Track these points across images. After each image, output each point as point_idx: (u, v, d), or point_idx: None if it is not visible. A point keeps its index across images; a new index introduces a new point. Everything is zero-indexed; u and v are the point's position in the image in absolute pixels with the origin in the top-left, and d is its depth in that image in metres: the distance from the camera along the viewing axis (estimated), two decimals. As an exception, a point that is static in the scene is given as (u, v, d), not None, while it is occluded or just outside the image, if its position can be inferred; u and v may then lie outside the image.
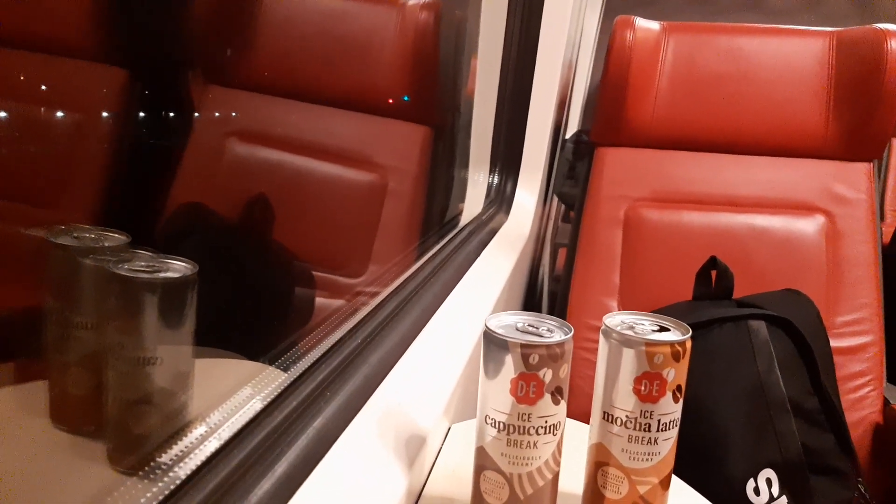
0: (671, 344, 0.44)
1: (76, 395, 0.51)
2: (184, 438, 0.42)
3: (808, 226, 1.16)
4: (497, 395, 0.43)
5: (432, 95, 1.24)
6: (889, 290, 1.14)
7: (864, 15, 2.95)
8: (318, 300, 1.17)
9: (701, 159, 1.23)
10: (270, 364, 0.51)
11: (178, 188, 1.16)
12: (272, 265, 1.16)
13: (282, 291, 1.15)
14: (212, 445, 0.39)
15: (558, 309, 1.21)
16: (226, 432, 0.39)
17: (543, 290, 1.70)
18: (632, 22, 1.21)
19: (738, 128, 1.21)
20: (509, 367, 0.42)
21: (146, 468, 0.39)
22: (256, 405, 0.43)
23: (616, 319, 0.47)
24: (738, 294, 1.03)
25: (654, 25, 1.24)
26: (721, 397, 0.90)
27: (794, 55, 1.20)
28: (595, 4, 2.78)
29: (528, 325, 0.45)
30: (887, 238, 1.35)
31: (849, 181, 1.18)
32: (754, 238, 1.16)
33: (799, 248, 1.15)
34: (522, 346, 0.42)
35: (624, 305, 1.16)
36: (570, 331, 0.44)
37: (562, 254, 2.04)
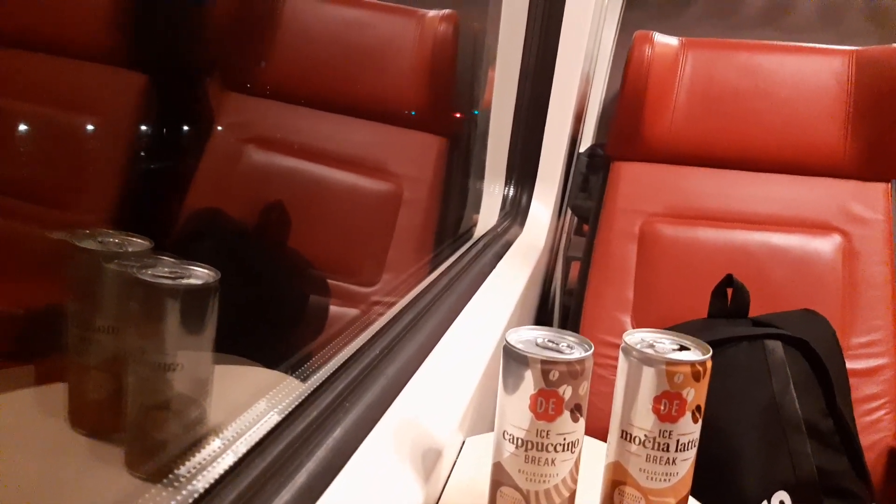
0: (692, 364, 0.44)
1: (96, 399, 0.51)
2: (203, 447, 0.42)
3: (825, 245, 1.15)
4: (516, 411, 0.43)
5: (449, 106, 1.25)
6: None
7: (884, 33, 2.94)
8: (333, 308, 1.17)
9: (717, 176, 1.22)
10: (290, 374, 0.51)
11: (196, 193, 1.17)
12: (287, 272, 1.16)
13: (296, 298, 1.15)
14: (231, 456, 0.39)
15: (571, 323, 1.21)
16: (247, 442, 0.39)
17: (555, 304, 1.70)
18: (650, 37, 1.22)
19: (755, 145, 1.20)
20: (529, 383, 0.42)
21: (166, 477, 0.39)
22: (276, 417, 0.43)
23: (636, 337, 0.47)
24: (753, 313, 1.02)
25: (673, 41, 1.24)
26: (736, 416, 0.89)
27: (813, 73, 1.20)
28: (612, 18, 2.79)
29: (548, 341, 0.45)
30: (904, 259, 1.34)
31: (866, 201, 1.17)
32: (770, 256, 1.15)
33: (815, 268, 1.14)
34: (543, 362, 0.42)
35: (637, 321, 1.16)
36: (591, 348, 0.44)
37: (574, 267, 2.04)
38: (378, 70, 1.22)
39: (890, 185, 1.19)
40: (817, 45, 1.24)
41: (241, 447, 0.40)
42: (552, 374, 0.42)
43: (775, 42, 1.25)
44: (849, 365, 1.04)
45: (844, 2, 3.01)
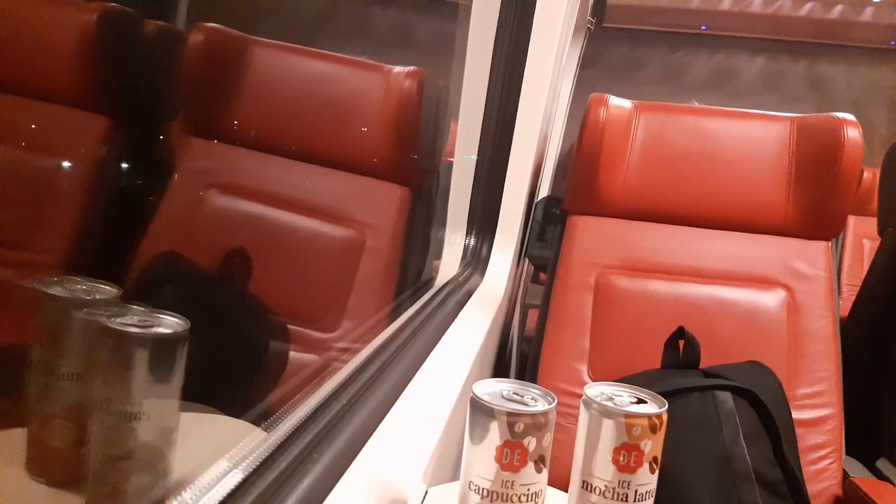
0: (649, 416, 0.46)
1: (57, 447, 0.51)
2: (168, 500, 0.42)
3: (770, 299, 1.21)
4: (482, 462, 0.44)
5: (412, 158, 1.28)
6: (846, 362, 1.19)
7: (819, 97, 3.13)
8: (292, 354, 1.17)
9: (668, 231, 1.28)
10: (257, 424, 0.51)
11: (155, 236, 1.16)
12: (246, 315, 1.15)
13: (255, 343, 1.14)
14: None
15: (529, 371, 1.23)
16: (215, 495, 0.39)
17: (513, 351, 1.72)
18: (605, 100, 1.28)
19: (704, 203, 1.26)
20: (495, 435, 0.44)
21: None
22: (242, 472, 0.43)
23: (596, 390, 0.49)
24: (703, 364, 1.06)
25: (626, 104, 1.31)
26: (688, 466, 0.91)
27: (757, 138, 1.28)
28: (568, 76, 2.91)
29: (513, 393, 0.47)
30: (844, 312, 1.40)
31: (808, 258, 1.23)
32: (718, 309, 1.20)
33: (761, 321, 1.19)
34: (508, 414, 0.43)
35: (593, 370, 1.19)
36: (554, 400, 0.46)
37: (531, 314, 2.07)
38: (344, 121, 1.25)
39: (830, 243, 1.26)
40: (761, 112, 1.32)
41: (209, 500, 0.40)
42: (517, 426, 0.43)
43: (722, 108, 1.32)
44: (795, 415, 1.09)
45: (785, 69, 3.21)
